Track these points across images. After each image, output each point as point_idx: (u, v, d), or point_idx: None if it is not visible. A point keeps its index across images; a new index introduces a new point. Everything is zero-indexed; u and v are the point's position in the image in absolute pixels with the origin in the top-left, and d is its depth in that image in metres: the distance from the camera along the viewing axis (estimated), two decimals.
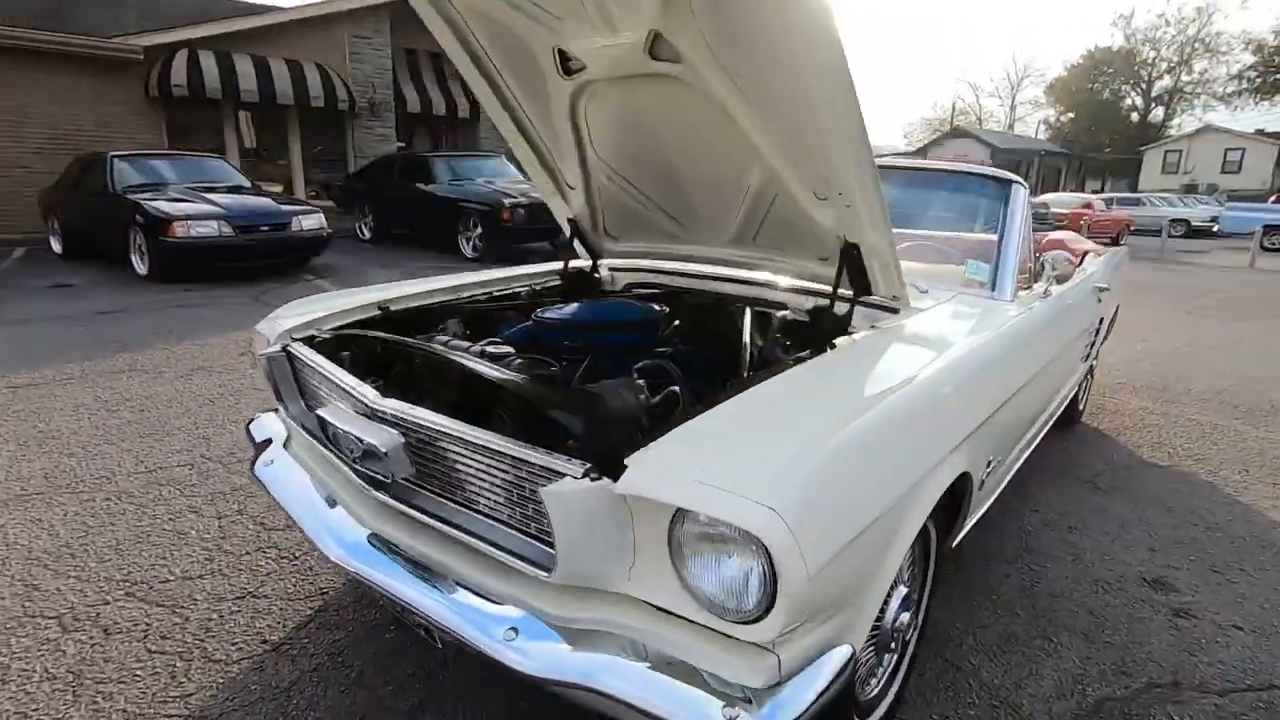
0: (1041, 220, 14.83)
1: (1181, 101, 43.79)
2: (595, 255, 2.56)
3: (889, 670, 1.67)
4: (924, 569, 1.75)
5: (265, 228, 7.42)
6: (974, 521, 2.05)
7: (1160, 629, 2.09)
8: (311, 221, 7.79)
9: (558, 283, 2.51)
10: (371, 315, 1.99)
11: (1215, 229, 19.43)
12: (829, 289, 1.91)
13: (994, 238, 2.34)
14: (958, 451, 1.49)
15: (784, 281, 2.13)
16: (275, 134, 13.15)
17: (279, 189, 13.11)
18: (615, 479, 1.07)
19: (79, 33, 10.73)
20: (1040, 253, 2.56)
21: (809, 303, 2.05)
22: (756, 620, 1.03)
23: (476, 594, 1.27)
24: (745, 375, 1.85)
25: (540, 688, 1.17)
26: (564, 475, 1.10)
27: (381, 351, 1.72)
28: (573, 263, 2.57)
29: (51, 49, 10.30)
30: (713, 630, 1.11)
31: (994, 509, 2.81)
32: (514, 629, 1.15)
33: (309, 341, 1.79)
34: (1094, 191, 35.49)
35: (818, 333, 1.87)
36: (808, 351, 1.83)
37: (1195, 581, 2.34)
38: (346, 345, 1.76)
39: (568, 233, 2.49)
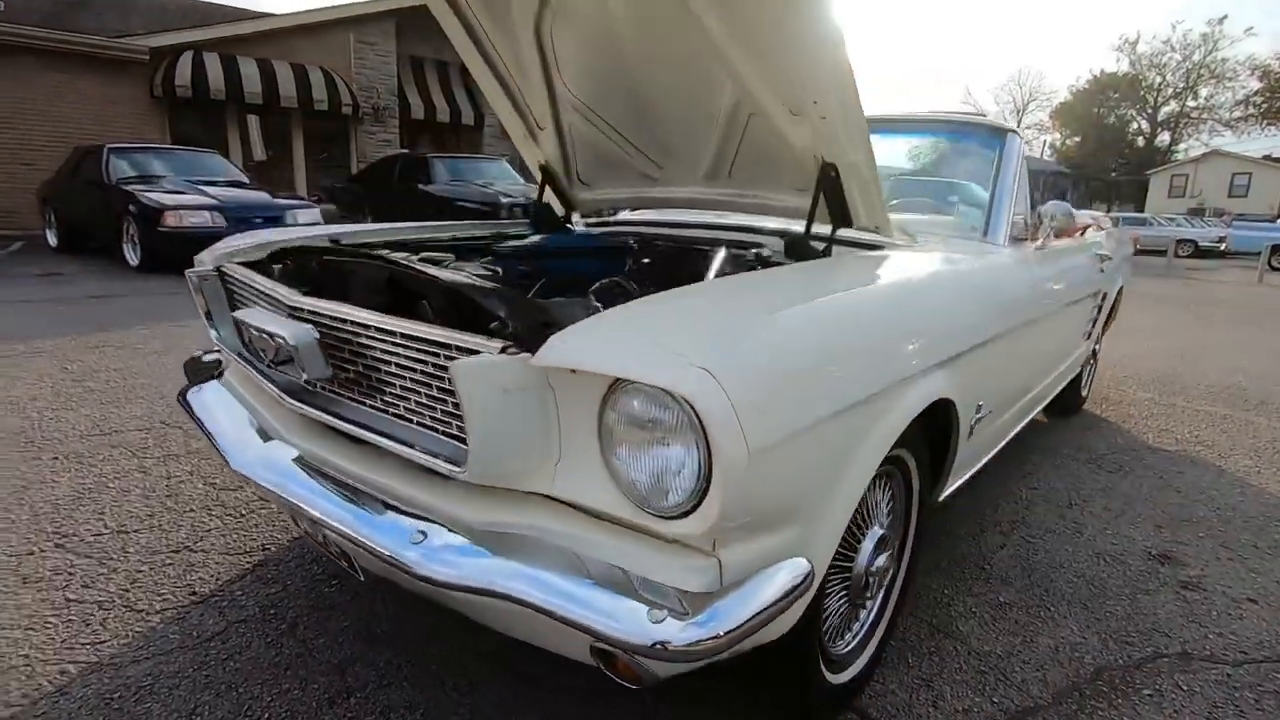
0: None
1: (1188, 126, 43.74)
2: (569, 207, 2.44)
3: (866, 626, 1.52)
4: (906, 518, 1.60)
5: (259, 220, 7.34)
6: (964, 480, 1.90)
7: (1167, 601, 1.92)
8: (306, 216, 7.72)
9: (528, 232, 2.39)
10: (321, 244, 1.87)
11: (1224, 248, 19.24)
12: (802, 216, 1.79)
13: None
14: (936, 371, 1.35)
15: (761, 223, 2.01)
16: (278, 139, 13.18)
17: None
18: (534, 351, 0.94)
19: (85, 33, 10.81)
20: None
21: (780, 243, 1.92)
22: (690, 511, 0.89)
23: (393, 507, 1.13)
24: None
25: (448, 601, 1.04)
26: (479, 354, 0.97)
27: (318, 266, 1.59)
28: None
29: (58, 49, 10.37)
30: (649, 534, 0.97)
31: (988, 481, 2.66)
32: (423, 532, 1.01)
33: (246, 264, 1.67)
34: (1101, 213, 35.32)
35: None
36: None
37: (1204, 557, 2.17)
38: (280, 260, 1.64)
39: (539, 179, 2.37)
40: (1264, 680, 1.60)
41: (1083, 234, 3.15)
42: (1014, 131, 2.32)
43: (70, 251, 8.66)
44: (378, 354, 1.16)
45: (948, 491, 1.80)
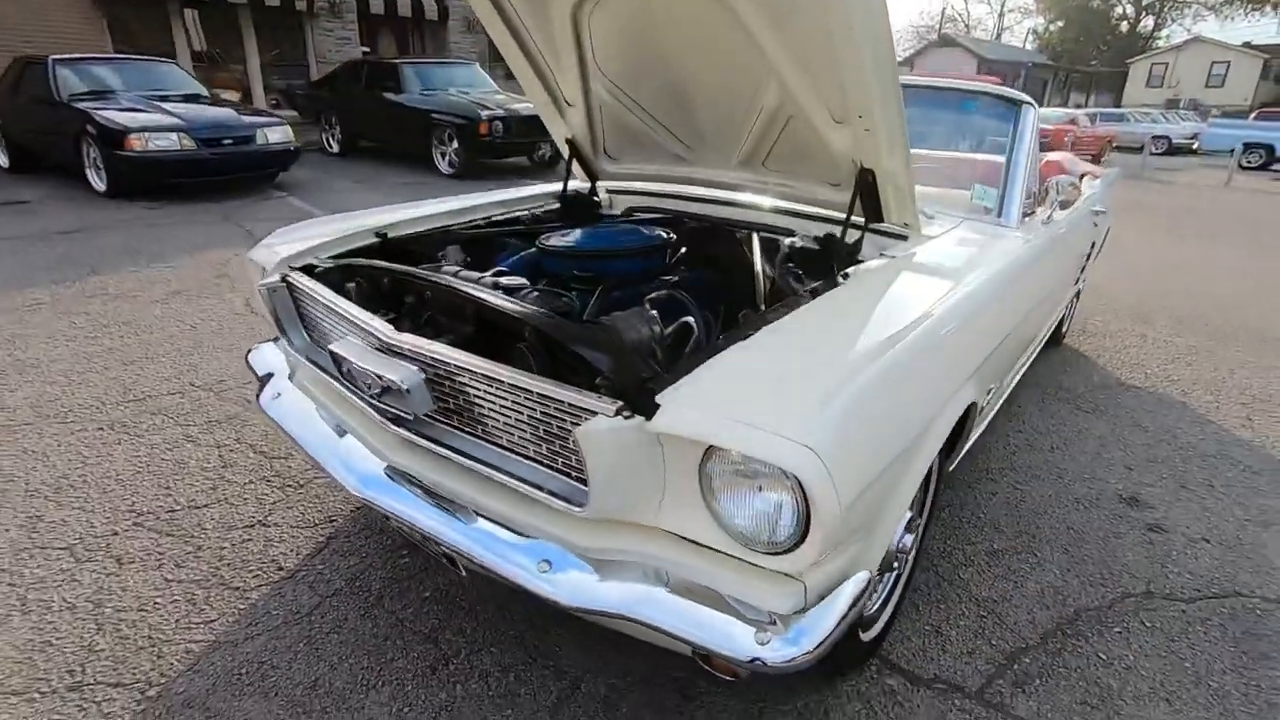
0: None
1: (1173, 10, 42.69)
2: (593, 177, 2.48)
3: (888, 587, 1.76)
4: (924, 493, 1.81)
5: (229, 141, 7.03)
6: (970, 444, 2.12)
7: (1135, 543, 2.21)
8: (277, 134, 7.39)
9: (556, 206, 2.44)
10: (369, 242, 1.93)
11: (1195, 147, 19.43)
12: (837, 214, 1.89)
13: (1001, 159, 2.31)
14: (968, 383, 1.52)
15: (791, 206, 2.09)
16: (228, 37, 12.25)
17: (236, 96, 12.37)
18: (648, 416, 1.08)
19: None
20: (1043, 176, 2.54)
21: (816, 228, 2.02)
22: (788, 551, 1.07)
23: (501, 525, 1.29)
24: (759, 304, 1.84)
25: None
26: (595, 413, 1.10)
27: (389, 283, 1.67)
28: (571, 185, 2.48)
29: None
30: (739, 559, 1.15)
31: (984, 429, 2.91)
32: (547, 561, 1.18)
33: (309, 271, 1.73)
34: (1078, 105, 35.07)
35: (828, 260, 1.86)
36: (820, 282, 1.82)
37: (1167, 498, 2.47)
38: (349, 275, 1.71)
39: (565, 153, 2.39)
40: (1212, 615, 1.91)
41: (1080, 182, 3.27)
42: (1029, 103, 2.38)
43: (24, 172, 8.17)
44: (481, 393, 1.29)
45: (959, 459, 2.02)
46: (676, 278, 1.97)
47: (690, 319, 1.63)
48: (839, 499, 1.00)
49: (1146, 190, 11.52)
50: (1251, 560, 2.15)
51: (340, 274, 1.72)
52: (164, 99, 7.38)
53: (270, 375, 1.83)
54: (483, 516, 1.33)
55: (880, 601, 1.73)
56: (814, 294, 1.55)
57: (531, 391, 1.18)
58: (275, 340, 2.04)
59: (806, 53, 1.58)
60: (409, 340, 1.34)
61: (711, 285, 2.01)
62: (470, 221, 2.18)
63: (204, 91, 8.13)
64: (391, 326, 1.39)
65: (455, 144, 8.72)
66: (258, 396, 1.82)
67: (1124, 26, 44.28)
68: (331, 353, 1.41)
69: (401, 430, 1.40)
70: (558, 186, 2.57)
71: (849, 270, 1.67)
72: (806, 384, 1.13)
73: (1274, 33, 38.75)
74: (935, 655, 1.75)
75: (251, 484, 2.34)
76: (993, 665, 1.72)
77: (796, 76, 1.65)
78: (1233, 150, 16.01)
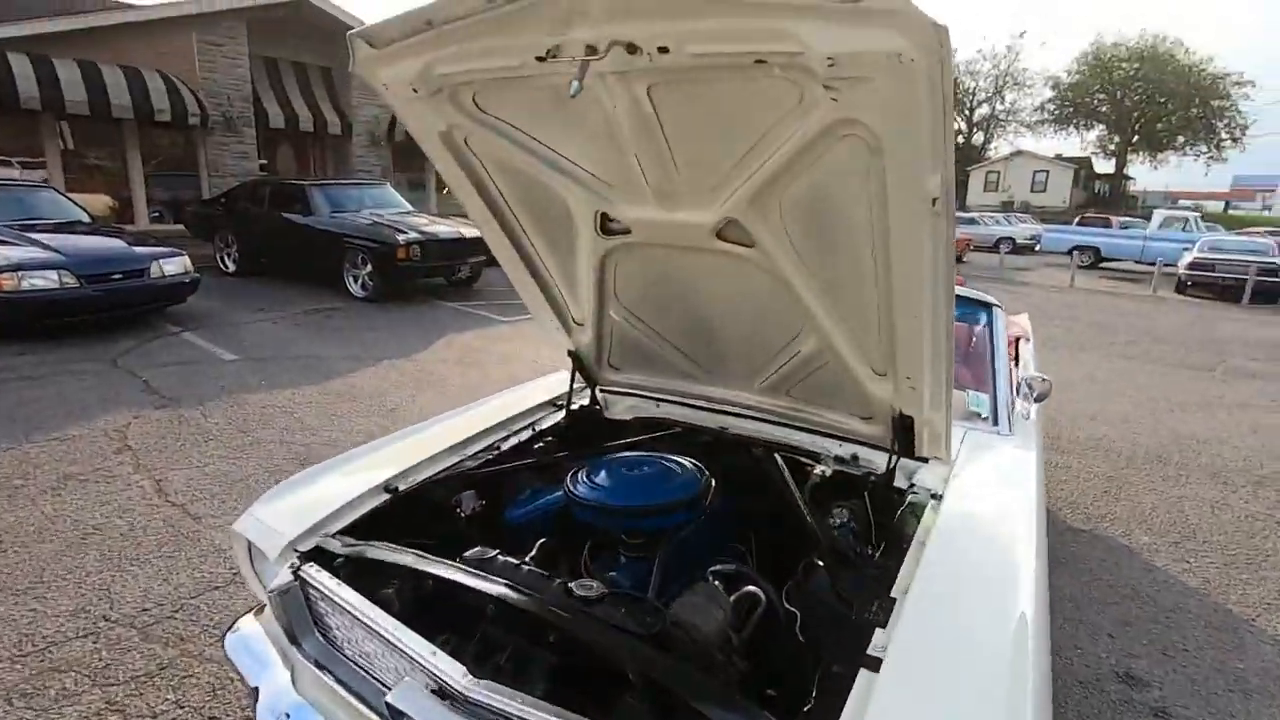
0: None
1: (997, 127, 49.84)
2: (592, 384, 2.40)
3: None
4: None
5: (118, 275, 6.44)
6: None
7: None
8: (174, 266, 6.86)
9: (560, 417, 2.32)
10: (380, 501, 1.73)
11: (1036, 248, 22.30)
12: (866, 443, 1.92)
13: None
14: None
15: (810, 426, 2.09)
16: (110, 149, 11.55)
17: (112, 206, 11.52)
18: None
19: None
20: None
21: (835, 446, 2.02)
22: None
23: None
24: (809, 542, 1.74)
25: None
26: None
27: (433, 584, 1.47)
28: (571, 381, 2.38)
29: None
30: None
31: None
32: None
33: (322, 559, 1.51)
34: None
35: (859, 488, 1.86)
36: (847, 513, 1.78)
37: (1156, 671, 2.57)
38: (379, 570, 1.49)
39: (569, 362, 2.31)
40: None
41: (1016, 346, 3.56)
42: (996, 305, 2.57)
43: None
44: None
45: None
46: (708, 505, 1.89)
47: (754, 588, 1.55)
48: None
49: (1007, 294, 12.86)
50: None
51: (361, 564, 1.50)
52: (35, 229, 6.72)
53: (258, 689, 1.55)
54: None
55: None
56: (879, 562, 1.51)
57: None
58: (257, 613, 1.77)
59: (859, 319, 1.61)
60: (494, 692, 1.16)
61: (738, 510, 1.95)
62: (477, 455, 2.02)
63: (85, 217, 7.50)
64: (464, 668, 1.20)
65: (369, 268, 8.45)
66: (252, 710, 1.53)
67: (960, 139, 51.10)
68: (390, 705, 1.20)
69: None
70: (551, 382, 2.49)
71: (910, 526, 1.63)
72: None
73: (1078, 147, 46.02)
74: None
75: None
76: None
77: (842, 337, 1.67)
78: (1069, 252, 18.68)
